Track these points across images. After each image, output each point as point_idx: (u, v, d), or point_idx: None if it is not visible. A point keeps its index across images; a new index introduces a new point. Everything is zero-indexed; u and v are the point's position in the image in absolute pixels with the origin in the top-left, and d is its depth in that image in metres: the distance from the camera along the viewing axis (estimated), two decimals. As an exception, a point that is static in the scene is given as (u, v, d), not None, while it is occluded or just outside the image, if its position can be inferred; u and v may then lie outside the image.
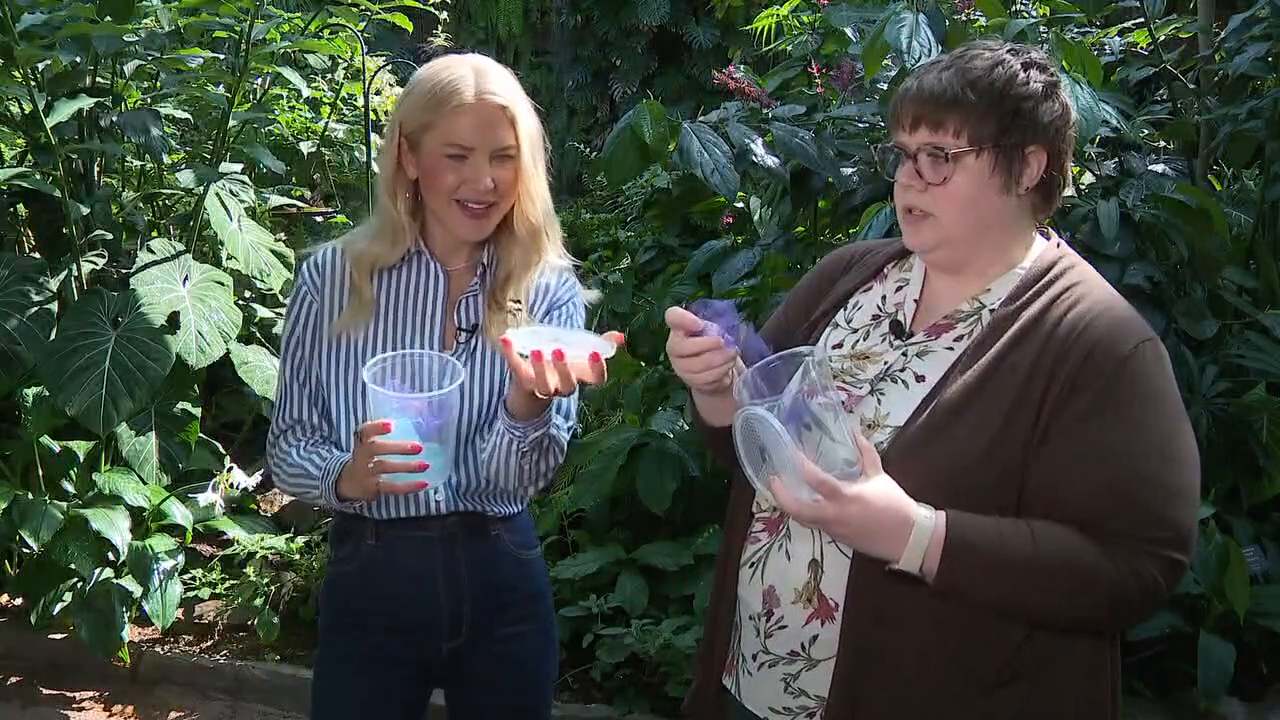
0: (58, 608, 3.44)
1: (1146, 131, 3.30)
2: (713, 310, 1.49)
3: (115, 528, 3.36)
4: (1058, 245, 1.59)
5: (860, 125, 3.21)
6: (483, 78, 1.80)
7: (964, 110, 1.48)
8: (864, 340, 1.62)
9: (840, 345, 1.64)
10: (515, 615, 1.93)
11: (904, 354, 1.57)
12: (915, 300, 1.62)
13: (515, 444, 1.75)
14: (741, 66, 3.86)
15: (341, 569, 1.94)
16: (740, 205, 3.88)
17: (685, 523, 3.39)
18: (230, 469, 3.70)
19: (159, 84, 4.02)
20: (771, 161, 3.04)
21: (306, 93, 4.47)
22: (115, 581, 3.42)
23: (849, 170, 3.07)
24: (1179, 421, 1.47)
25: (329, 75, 5.26)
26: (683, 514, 3.35)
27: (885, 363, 1.58)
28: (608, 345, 1.60)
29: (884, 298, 1.66)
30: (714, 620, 1.71)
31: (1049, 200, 1.57)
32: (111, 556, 3.43)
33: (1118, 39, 3.49)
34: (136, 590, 3.41)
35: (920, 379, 1.53)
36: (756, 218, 3.87)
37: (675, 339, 1.51)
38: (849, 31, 3.19)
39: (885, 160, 1.61)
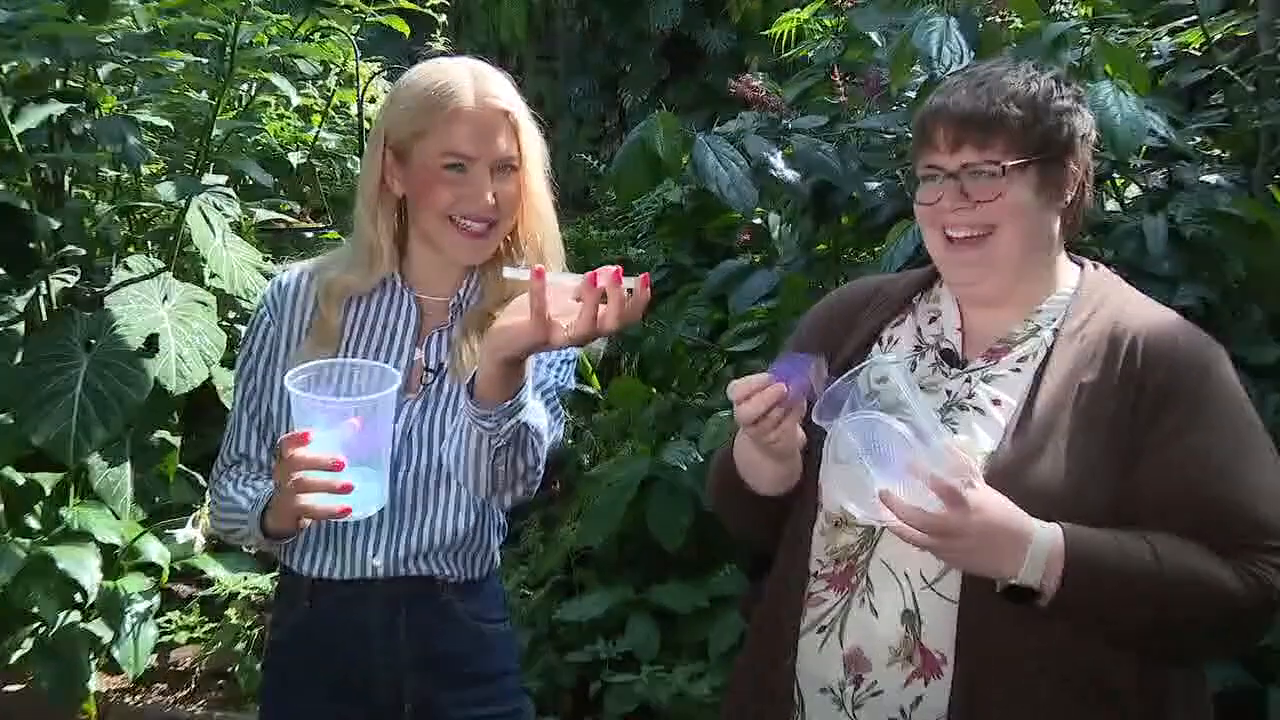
0: (15, 656, 3.40)
1: (1199, 140, 3.28)
2: (782, 366, 1.49)
3: (84, 567, 3.32)
4: (1095, 267, 1.67)
5: (886, 137, 3.20)
6: (482, 81, 1.76)
7: (1011, 126, 1.54)
8: (913, 372, 1.64)
9: (886, 380, 1.64)
10: (472, 697, 1.83)
11: (967, 380, 1.60)
12: (958, 329, 1.66)
13: (486, 440, 1.64)
14: (759, 74, 3.87)
15: (276, 632, 1.90)
16: (758, 222, 3.86)
17: (700, 561, 3.37)
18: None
19: (136, 89, 4.01)
20: (791, 176, 3.04)
21: (296, 100, 4.46)
22: (82, 626, 3.39)
23: (874, 185, 3.07)
24: (1260, 426, 1.53)
25: (320, 82, 5.28)
26: (697, 552, 3.34)
27: (947, 392, 1.61)
28: (636, 280, 1.49)
29: (919, 330, 1.70)
30: (758, 705, 1.65)
31: (1076, 219, 1.64)
32: (79, 598, 3.40)
33: (1167, 40, 3.48)
34: (106, 635, 3.39)
35: (997, 403, 1.56)
36: (775, 235, 3.84)
37: (737, 405, 1.51)
38: (874, 36, 3.19)
39: (909, 183, 1.64)
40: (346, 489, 1.56)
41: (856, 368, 1.47)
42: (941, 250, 1.62)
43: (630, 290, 1.47)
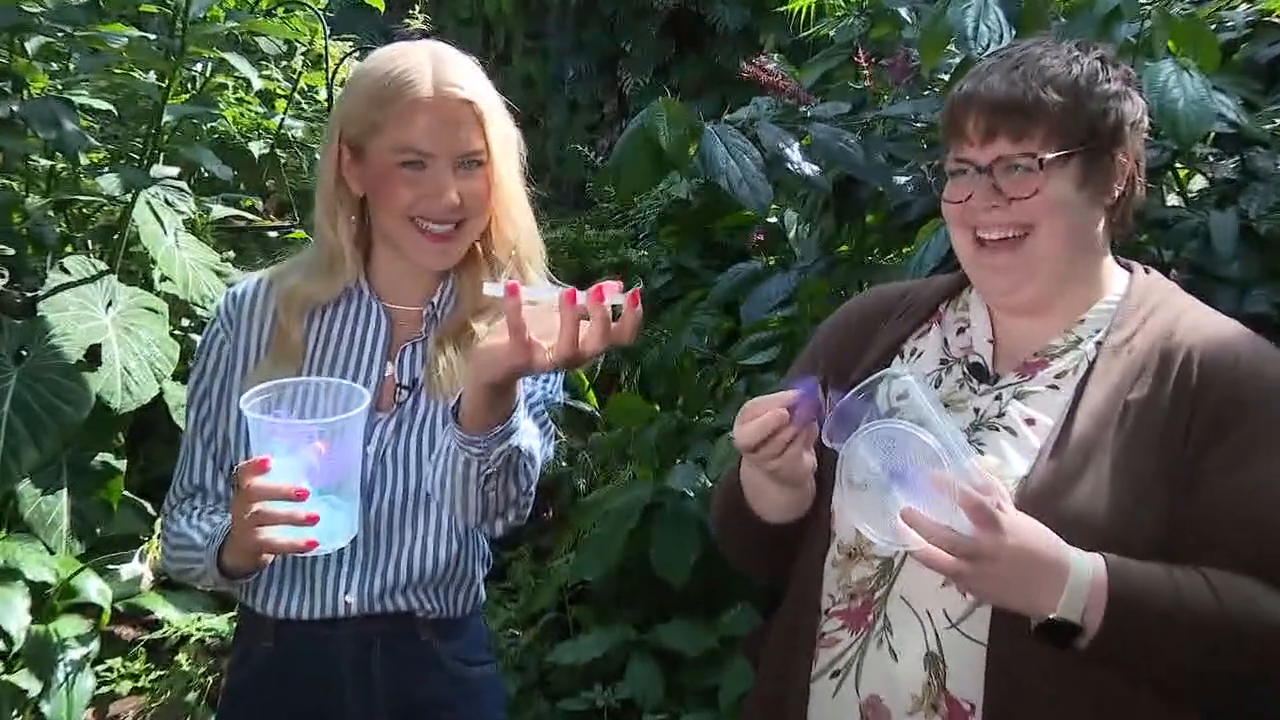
0: (-77, 715, 3.35)
1: (1278, 124, 3.23)
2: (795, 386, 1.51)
3: (10, 609, 3.26)
4: (1146, 272, 1.67)
5: (917, 125, 3.19)
6: (442, 67, 1.76)
7: (1051, 113, 1.53)
8: (936, 389, 1.65)
9: (907, 397, 1.65)
10: None
11: (997, 398, 1.60)
12: (989, 340, 1.66)
13: (477, 467, 1.65)
14: (775, 55, 3.87)
15: (234, 676, 1.89)
16: (773, 220, 3.89)
17: (708, 598, 3.38)
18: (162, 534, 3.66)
19: (72, 67, 3.98)
20: (810, 169, 3.03)
21: (257, 83, 4.45)
22: (5, 678, 3.31)
23: (903, 179, 3.05)
24: None
25: (284, 63, 5.27)
26: (705, 587, 3.34)
27: (975, 410, 1.61)
28: (622, 295, 1.50)
29: (945, 341, 1.71)
30: None
31: (1125, 217, 1.64)
32: (2, 646, 3.32)
33: (1244, 7, 3.42)
34: (33, 687, 3.30)
35: (1030, 422, 1.55)
36: (793, 235, 3.87)
37: (737, 427, 1.52)
38: (903, 13, 3.18)
39: (937, 178, 1.63)
40: (312, 520, 1.57)
41: (866, 380, 1.47)
42: (971, 253, 1.61)
43: (617, 308, 1.47)
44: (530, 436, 1.70)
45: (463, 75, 1.76)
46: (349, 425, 1.59)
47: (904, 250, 3.37)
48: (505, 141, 1.79)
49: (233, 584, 1.78)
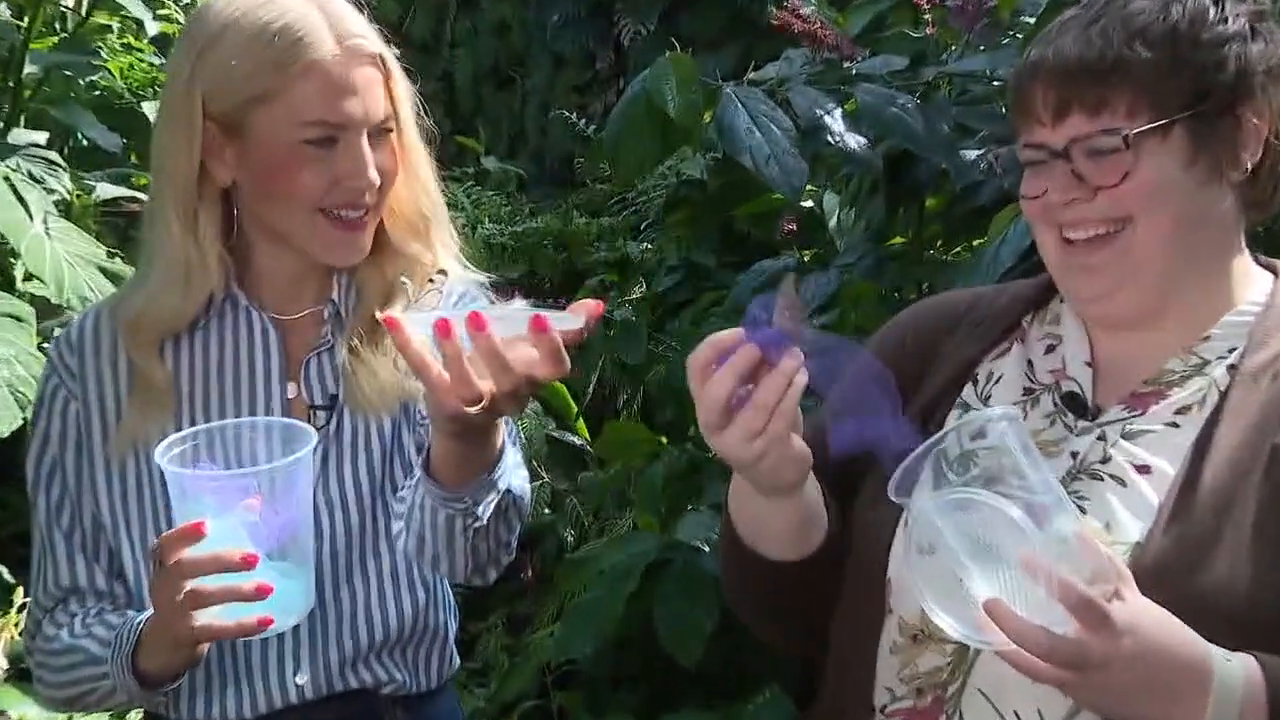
0: None
1: None
2: (762, 333, 1.46)
3: None
4: None
5: (992, 84, 3.20)
6: (338, 17, 1.78)
7: (1137, 74, 1.51)
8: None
9: (985, 436, 1.62)
10: None
11: (1100, 438, 1.57)
12: (1087, 363, 1.64)
13: (463, 522, 1.68)
14: (812, -1, 3.85)
15: None
16: (808, 206, 3.89)
17: (728, 681, 3.37)
18: (22, 606, 3.61)
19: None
20: (856, 142, 3.03)
21: (152, 26, 4.41)
22: None
23: (972, 153, 3.04)
24: None
25: (185, 1, 5.25)
26: (724, 667, 3.34)
27: (1073, 454, 1.58)
28: (573, 317, 1.52)
29: (1030, 364, 1.69)
30: None
31: (1268, 195, 1.60)
32: None
33: None
34: None
35: (1144, 470, 1.52)
36: (833, 224, 3.86)
37: (695, 387, 1.47)
38: (976, -63, 3.20)
39: (1005, 168, 1.68)
40: (264, 592, 1.56)
41: (944, 432, 1.44)
42: (1057, 255, 1.60)
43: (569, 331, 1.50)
44: (518, 468, 1.73)
45: (361, 23, 1.79)
46: (296, 471, 1.60)
47: (974, 244, 3.36)
48: (408, 98, 1.84)
49: (154, 695, 1.76)
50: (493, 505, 1.67)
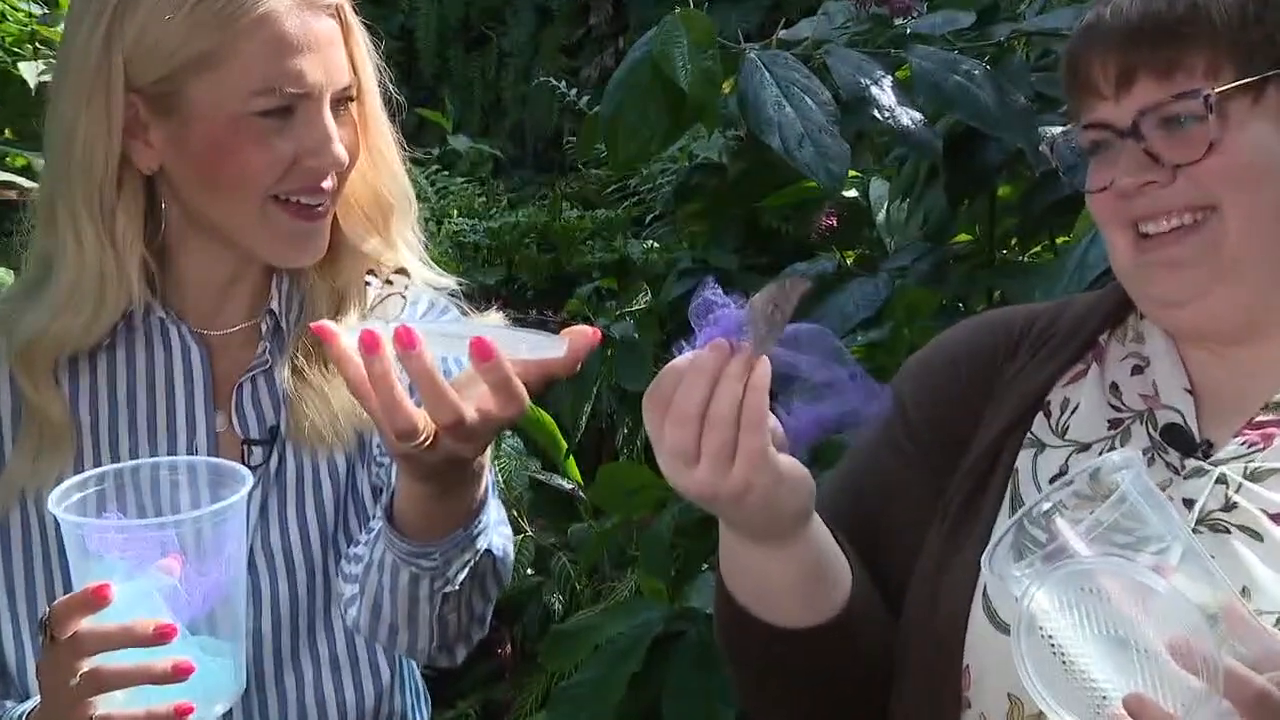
0: None
1: None
2: (721, 320, 1.49)
3: None
4: None
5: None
6: None
7: (1215, 25, 1.54)
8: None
9: (1065, 476, 1.59)
10: None
11: (1219, 480, 1.57)
12: (1187, 389, 1.65)
13: (430, 585, 1.67)
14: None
15: None
16: (851, 196, 3.89)
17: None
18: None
19: None
20: (910, 118, 3.04)
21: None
22: None
23: (1053, 129, 2.91)
24: None
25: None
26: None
27: (1185, 501, 1.58)
28: (552, 341, 1.53)
29: (1115, 388, 1.71)
30: None
31: None
32: None
33: None
34: None
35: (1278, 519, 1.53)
36: (881, 218, 3.88)
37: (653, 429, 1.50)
38: None
39: (1062, 157, 1.68)
40: (183, 672, 1.51)
41: (1057, 486, 1.45)
42: (1128, 256, 1.62)
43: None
44: (500, 525, 1.75)
45: None
46: (226, 522, 1.57)
47: (1057, 243, 3.36)
48: (369, 60, 1.88)
49: None
50: (468, 567, 1.66)
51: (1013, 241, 3.54)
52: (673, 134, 3.22)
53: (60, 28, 4.81)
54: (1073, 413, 1.71)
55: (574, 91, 7.29)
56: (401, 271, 1.93)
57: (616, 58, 2.97)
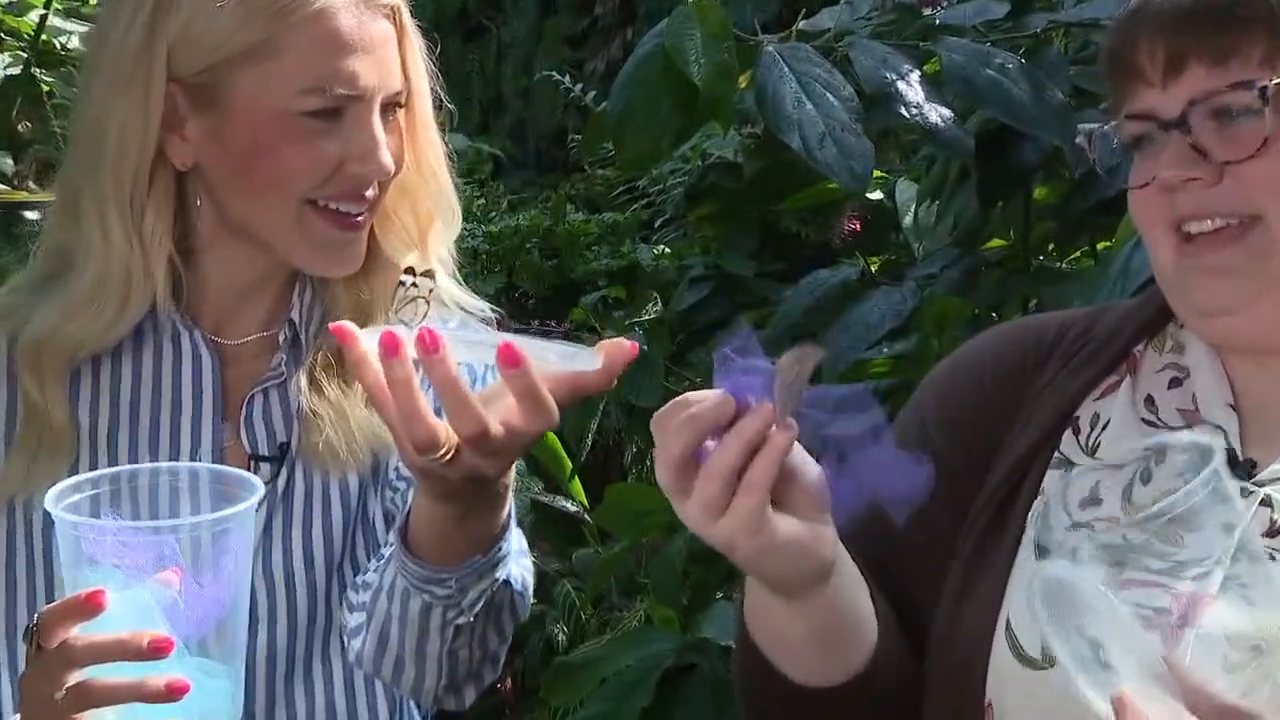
0: None
1: None
2: (745, 376, 1.48)
3: None
4: None
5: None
6: None
7: (1273, 12, 1.54)
8: (1145, 485, 1.62)
9: (1100, 503, 1.65)
10: None
11: (1264, 503, 1.56)
12: (1230, 405, 1.64)
13: (443, 615, 1.69)
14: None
15: None
16: (876, 198, 3.91)
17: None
18: None
19: None
20: (939, 115, 3.03)
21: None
22: None
23: (1091, 126, 2.99)
24: None
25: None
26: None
27: (1225, 525, 1.53)
28: (586, 353, 1.53)
29: (1150, 401, 1.69)
30: None
31: None
32: None
33: None
34: None
35: None
36: (909, 222, 3.89)
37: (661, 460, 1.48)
38: None
39: (1102, 153, 1.69)
40: (178, 691, 1.47)
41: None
42: (1171, 260, 1.61)
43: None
44: (521, 556, 1.78)
45: None
46: (229, 532, 1.55)
47: (1098, 248, 3.38)
48: (423, 64, 1.91)
49: None
50: (484, 598, 1.67)
51: (1050, 247, 3.56)
52: (685, 132, 3.27)
53: (29, 17, 4.87)
54: (1103, 429, 1.70)
55: (579, 86, 7.47)
56: (428, 274, 1.94)
57: (624, 50, 3.00)
